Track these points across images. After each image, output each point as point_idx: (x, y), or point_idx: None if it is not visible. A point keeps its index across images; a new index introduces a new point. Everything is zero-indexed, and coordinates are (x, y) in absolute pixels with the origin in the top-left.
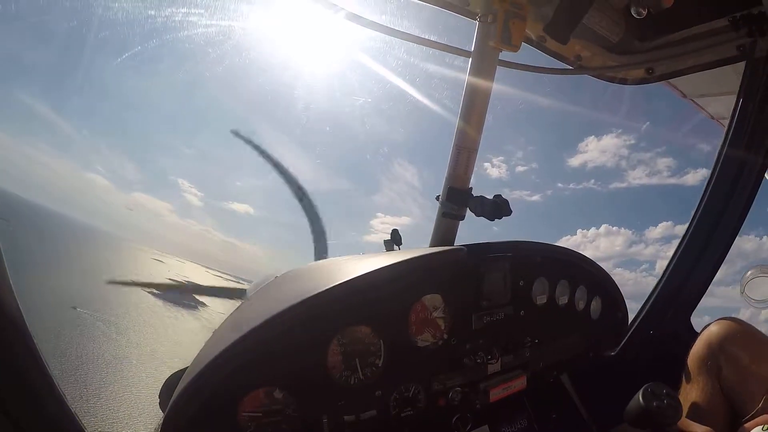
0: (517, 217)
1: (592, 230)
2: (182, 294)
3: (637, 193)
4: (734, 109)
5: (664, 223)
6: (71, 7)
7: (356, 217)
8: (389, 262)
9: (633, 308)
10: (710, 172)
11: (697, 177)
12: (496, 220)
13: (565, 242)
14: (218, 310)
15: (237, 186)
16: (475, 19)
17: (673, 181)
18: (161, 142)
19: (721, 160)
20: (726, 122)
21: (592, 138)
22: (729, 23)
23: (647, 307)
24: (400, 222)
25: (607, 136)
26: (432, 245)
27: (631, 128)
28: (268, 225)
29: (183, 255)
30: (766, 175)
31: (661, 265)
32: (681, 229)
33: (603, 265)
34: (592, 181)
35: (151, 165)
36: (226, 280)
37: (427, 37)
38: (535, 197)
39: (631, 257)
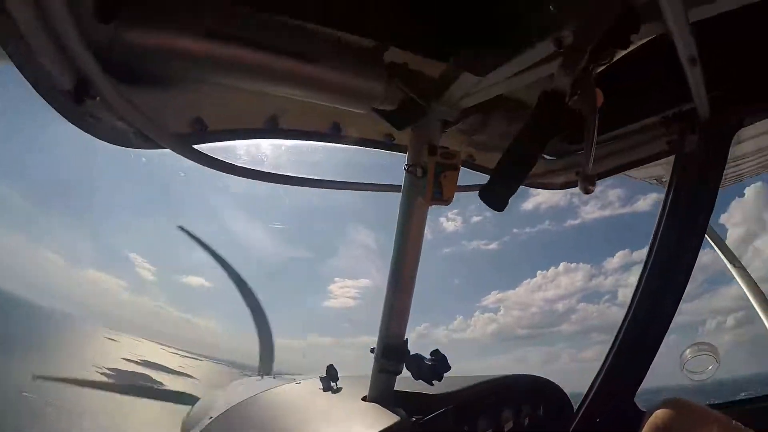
0: (475, 268)
1: (551, 270)
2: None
3: (592, 227)
4: (665, 201)
5: (621, 252)
6: None
7: (315, 283)
8: None
9: (604, 340)
10: (644, 260)
11: (648, 202)
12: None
13: (526, 285)
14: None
15: (192, 258)
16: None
17: (625, 210)
18: (113, 213)
19: (654, 251)
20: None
21: None
22: (660, 121)
23: (591, 394)
24: (358, 284)
25: None
26: (370, 400)
27: None
28: (223, 297)
29: (137, 332)
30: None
31: (624, 293)
32: (638, 255)
33: (566, 302)
34: (547, 222)
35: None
36: (183, 357)
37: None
38: (492, 245)
39: (592, 290)
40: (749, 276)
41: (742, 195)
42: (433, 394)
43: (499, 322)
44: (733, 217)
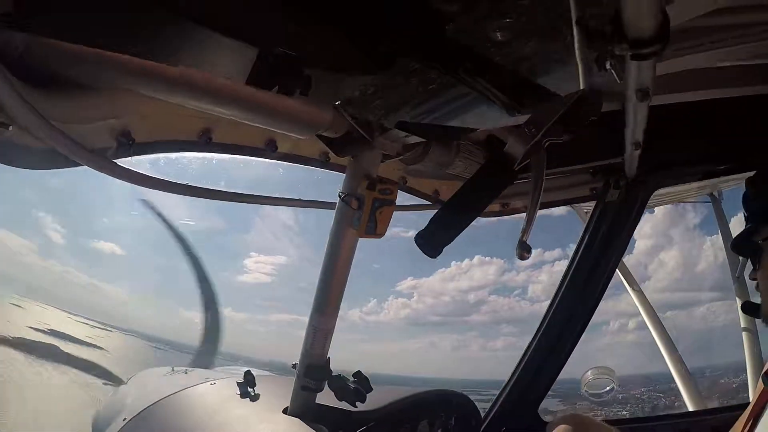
0: (397, 253)
1: (466, 261)
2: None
3: (511, 225)
4: (580, 241)
5: (535, 251)
6: None
7: (229, 258)
8: None
9: (512, 332)
10: (558, 285)
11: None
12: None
13: (440, 275)
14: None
15: (104, 223)
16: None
17: (541, 212)
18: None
19: (566, 280)
20: None
21: None
22: (588, 170)
23: (497, 405)
24: (274, 261)
25: None
26: (291, 413)
27: None
28: (136, 266)
29: (45, 299)
30: None
31: (533, 289)
32: (549, 254)
33: (478, 293)
34: None
35: (10, 196)
36: (92, 327)
37: None
38: (411, 233)
39: (504, 284)
40: (642, 292)
41: (652, 211)
42: (353, 411)
43: (412, 307)
44: (643, 230)
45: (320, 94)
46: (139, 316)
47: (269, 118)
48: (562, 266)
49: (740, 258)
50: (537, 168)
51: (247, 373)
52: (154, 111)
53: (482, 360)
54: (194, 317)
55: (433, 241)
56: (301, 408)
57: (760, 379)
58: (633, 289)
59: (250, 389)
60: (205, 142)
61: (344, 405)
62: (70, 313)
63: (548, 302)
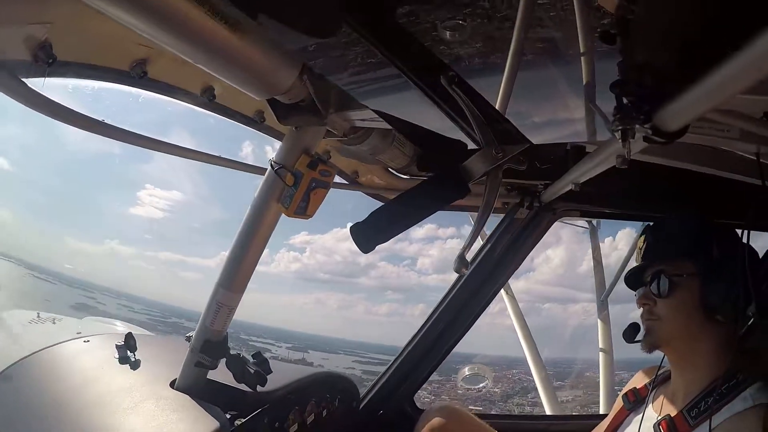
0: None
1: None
2: None
3: None
4: (480, 249)
5: (429, 226)
6: None
7: (124, 187)
8: None
9: (397, 299)
10: (449, 287)
11: None
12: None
13: (335, 233)
14: None
15: None
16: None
17: None
18: None
19: (457, 286)
20: None
21: None
22: (507, 185)
23: (376, 388)
24: (170, 196)
25: None
26: (179, 388)
27: None
28: (23, 186)
29: None
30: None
31: (422, 262)
32: (442, 231)
33: (369, 257)
34: None
35: None
36: None
37: None
38: None
39: (395, 253)
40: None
41: None
42: (246, 391)
43: (303, 262)
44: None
45: (289, 54)
46: (22, 242)
47: (226, 67)
48: (453, 244)
49: (606, 284)
50: (492, 187)
51: (128, 337)
52: (87, 26)
53: (366, 323)
54: (78, 245)
55: (369, 236)
56: (192, 384)
57: (620, 398)
58: (506, 293)
59: (130, 354)
60: (138, 75)
61: (233, 382)
62: None
63: (435, 276)
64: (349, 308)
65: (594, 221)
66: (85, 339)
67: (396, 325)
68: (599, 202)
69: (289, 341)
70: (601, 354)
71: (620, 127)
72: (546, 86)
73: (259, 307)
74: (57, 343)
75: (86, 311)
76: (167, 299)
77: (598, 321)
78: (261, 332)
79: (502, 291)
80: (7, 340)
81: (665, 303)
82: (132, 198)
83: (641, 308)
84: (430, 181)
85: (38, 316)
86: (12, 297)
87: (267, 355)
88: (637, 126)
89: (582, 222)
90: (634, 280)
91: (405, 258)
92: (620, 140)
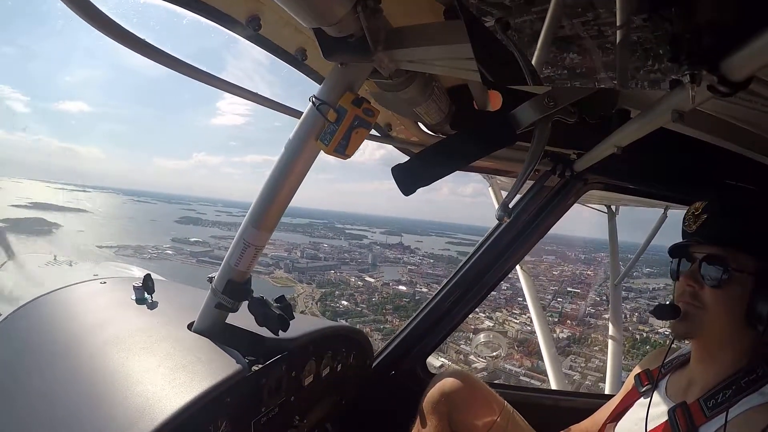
0: None
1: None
2: None
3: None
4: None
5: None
6: None
7: (202, 99)
8: (177, 405)
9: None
10: (472, 251)
11: None
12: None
13: None
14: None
15: (67, 81)
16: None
17: None
18: None
19: (481, 250)
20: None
21: None
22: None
23: (389, 348)
24: (247, 102)
25: None
26: (197, 330)
27: None
28: (106, 121)
29: (20, 173)
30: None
31: None
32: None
33: None
34: None
35: None
36: (71, 191)
37: None
38: None
39: None
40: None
41: None
42: (266, 337)
43: (387, 149)
44: None
45: None
46: (114, 173)
47: None
48: None
49: (621, 268)
50: (540, 138)
51: (147, 278)
52: None
53: (452, 205)
54: (167, 164)
55: (413, 178)
56: (210, 326)
57: (632, 378)
58: (521, 268)
59: (147, 295)
60: None
61: (251, 327)
62: (48, 182)
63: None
64: (434, 191)
65: (613, 207)
66: (102, 280)
67: (480, 206)
68: (630, 177)
69: (382, 226)
70: (610, 337)
71: (688, 72)
72: (600, 34)
73: (348, 195)
74: (73, 284)
75: (192, 223)
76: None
77: (610, 305)
78: (354, 220)
79: (517, 267)
80: (23, 282)
81: (715, 293)
82: (212, 110)
83: (684, 288)
84: (479, 126)
85: (55, 259)
86: (121, 222)
87: (365, 241)
88: (704, 72)
89: (601, 207)
90: (682, 251)
91: None
92: (680, 91)
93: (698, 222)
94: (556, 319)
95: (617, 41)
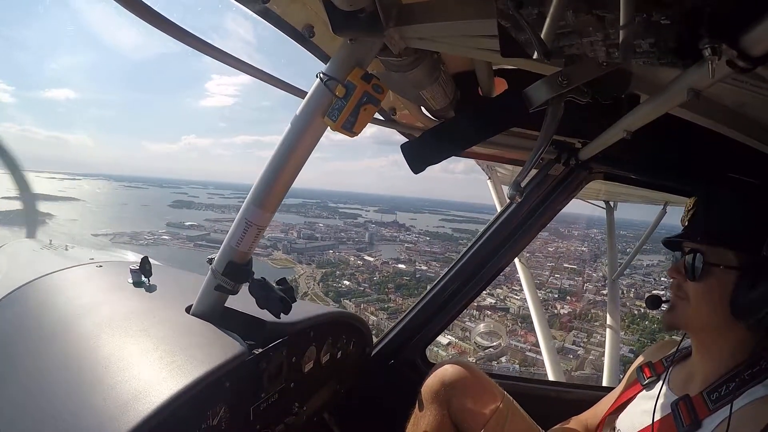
0: None
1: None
2: None
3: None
4: (509, 203)
5: None
6: None
7: (190, 82)
8: (174, 389)
9: None
10: (473, 241)
11: None
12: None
13: None
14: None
15: (52, 69)
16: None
17: None
18: None
19: (483, 238)
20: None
21: None
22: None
23: (389, 337)
24: (236, 81)
25: None
26: (195, 313)
27: None
28: (93, 107)
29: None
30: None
31: None
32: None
33: None
34: None
35: None
36: (61, 180)
37: None
38: None
39: None
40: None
41: None
42: (266, 321)
43: (377, 126)
44: None
45: None
46: (103, 160)
47: None
48: None
49: (618, 264)
50: (552, 118)
51: (144, 261)
52: None
53: (444, 181)
54: (157, 148)
55: (422, 155)
56: (209, 309)
57: (635, 371)
58: (519, 261)
59: (145, 279)
60: None
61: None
62: (37, 172)
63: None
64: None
65: (611, 202)
66: (99, 264)
67: (472, 182)
68: (635, 167)
69: (375, 204)
70: (608, 330)
71: (708, 45)
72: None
73: (340, 174)
74: (69, 267)
75: (185, 206)
76: (250, 180)
77: (608, 298)
78: (346, 198)
79: (516, 259)
80: (18, 266)
81: (695, 286)
82: (200, 91)
83: (671, 279)
84: (490, 103)
85: (50, 243)
86: (114, 209)
87: (359, 219)
88: (724, 46)
89: (599, 202)
90: (673, 244)
91: None
92: (696, 69)
93: (688, 216)
94: (556, 296)
95: (633, 17)
